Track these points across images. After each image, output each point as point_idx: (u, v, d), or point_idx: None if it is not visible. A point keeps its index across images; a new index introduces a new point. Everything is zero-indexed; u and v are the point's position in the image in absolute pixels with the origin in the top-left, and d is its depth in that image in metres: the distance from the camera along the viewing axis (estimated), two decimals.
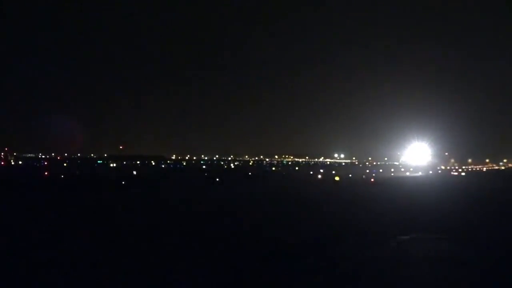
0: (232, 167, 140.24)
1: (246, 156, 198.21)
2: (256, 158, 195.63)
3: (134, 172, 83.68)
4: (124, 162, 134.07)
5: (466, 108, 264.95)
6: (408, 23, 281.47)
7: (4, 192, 37.81)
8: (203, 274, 12.24)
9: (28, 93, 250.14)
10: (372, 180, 70.21)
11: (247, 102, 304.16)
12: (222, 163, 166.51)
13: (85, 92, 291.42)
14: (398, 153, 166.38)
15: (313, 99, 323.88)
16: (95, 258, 13.82)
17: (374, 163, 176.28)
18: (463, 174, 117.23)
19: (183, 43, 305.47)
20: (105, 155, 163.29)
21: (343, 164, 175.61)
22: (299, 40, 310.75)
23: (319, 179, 74.87)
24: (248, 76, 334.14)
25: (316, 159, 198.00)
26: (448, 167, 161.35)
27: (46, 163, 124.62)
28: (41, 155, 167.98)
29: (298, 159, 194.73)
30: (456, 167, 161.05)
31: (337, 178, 70.35)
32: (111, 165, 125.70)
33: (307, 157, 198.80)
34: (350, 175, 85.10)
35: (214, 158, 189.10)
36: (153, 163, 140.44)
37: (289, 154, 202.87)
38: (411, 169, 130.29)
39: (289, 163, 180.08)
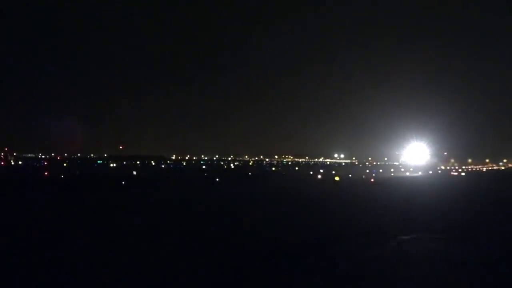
0: (232, 167, 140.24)
1: (246, 156, 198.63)
2: (256, 158, 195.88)
3: (134, 172, 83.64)
4: (124, 162, 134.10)
5: (466, 108, 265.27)
6: (408, 23, 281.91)
7: (4, 192, 37.77)
8: (203, 274, 12.24)
9: (28, 93, 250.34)
10: (372, 180, 70.27)
11: (247, 102, 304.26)
12: (222, 163, 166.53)
13: (85, 92, 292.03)
14: (398, 153, 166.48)
15: (313, 99, 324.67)
16: (95, 258, 13.81)
17: (374, 163, 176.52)
18: (463, 174, 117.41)
19: (183, 43, 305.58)
20: (105, 155, 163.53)
21: (343, 164, 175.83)
22: (299, 40, 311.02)
23: (319, 179, 74.94)
24: (248, 76, 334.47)
25: (316, 159, 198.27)
26: (448, 167, 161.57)
27: (46, 163, 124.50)
28: (41, 155, 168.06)
29: (298, 159, 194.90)
30: (456, 167, 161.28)
31: (337, 178, 70.35)
32: (111, 165, 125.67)
33: (307, 157, 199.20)
34: (350, 175, 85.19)
35: (214, 158, 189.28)
36: (153, 163, 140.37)
37: (289, 154, 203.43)
38: (411, 169, 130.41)
39: (289, 163, 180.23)
